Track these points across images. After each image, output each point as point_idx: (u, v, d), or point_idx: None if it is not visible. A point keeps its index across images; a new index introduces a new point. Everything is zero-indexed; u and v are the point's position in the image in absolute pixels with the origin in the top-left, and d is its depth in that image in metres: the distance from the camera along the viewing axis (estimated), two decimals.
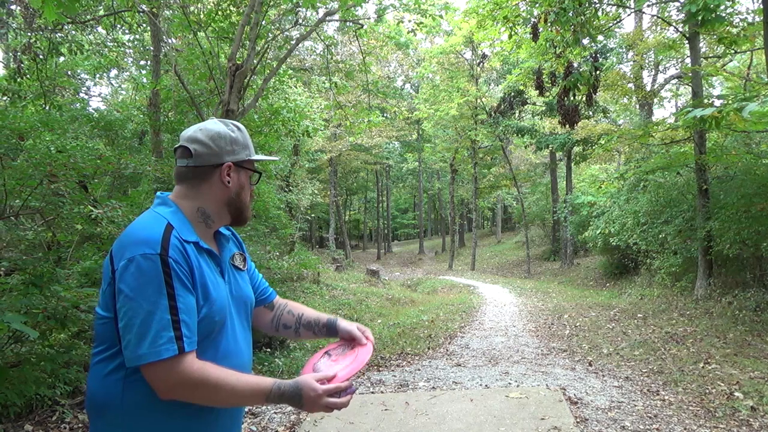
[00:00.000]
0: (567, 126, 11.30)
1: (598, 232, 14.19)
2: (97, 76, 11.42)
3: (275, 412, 4.46)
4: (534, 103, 21.42)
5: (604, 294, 12.94)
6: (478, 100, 23.84)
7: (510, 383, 5.27)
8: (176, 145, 1.45)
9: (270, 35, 7.47)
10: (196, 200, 1.42)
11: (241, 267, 1.53)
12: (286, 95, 8.78)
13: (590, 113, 17.84)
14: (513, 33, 10.74)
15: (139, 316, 1.21)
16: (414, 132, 33.76)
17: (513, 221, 41.47)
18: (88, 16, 7.93)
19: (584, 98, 10.21)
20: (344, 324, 1.63)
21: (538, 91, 11.97)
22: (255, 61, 6.39)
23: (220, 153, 1.41)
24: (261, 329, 1.71)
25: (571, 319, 9.29)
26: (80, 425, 4.29)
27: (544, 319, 9.67)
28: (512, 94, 21.00)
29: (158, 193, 1.44)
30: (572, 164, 21.50)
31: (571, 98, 10.32)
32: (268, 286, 1.70)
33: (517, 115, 22.48)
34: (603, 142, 14.29)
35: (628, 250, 13.35)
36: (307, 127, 8.96)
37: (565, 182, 22.39)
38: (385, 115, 25.32)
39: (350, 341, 1.59)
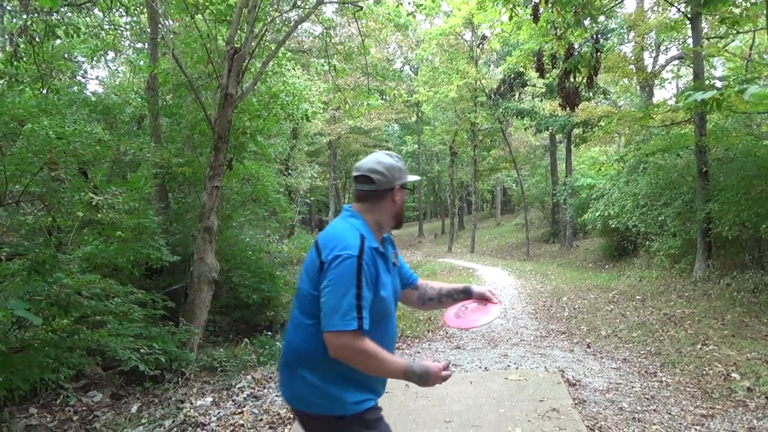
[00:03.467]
0: (567, 108, 11.22)
1: (597, 214, 14.19)
2: (94, 59, 11.31)
3: (276, 396, 4.51)
4: (534, 85, 21.28)
5: (603, 276, 12.99)
6: (478, 82, 23.67)
7: (509, 365, 5.32)
8: (356, 174, 2.00)
9: (268, 17, 7.39)
10: (375, 215, 1.98)
11: (396, 263, 2.08)
12: (285, 78, 8.72)
13: (591, 95, 17.72)
14: (513, 14, 10.61)
15: (335, 297, 1.74)
16: (413, 114, 33.59)
17: (512, 204, 41.42)
18: None
19: (585, 80, 10.13)
20: (477, 288, 2.19)
21: (538, 73, 11.85)
22: (253, 44, 6.33)
23: (392, 179, 1.98)
24: (409, 306, 2.29)
25: (570, 302, 9.35)
26: (84, 408, 4.34)
27: (543, 301, 9.72)
28: (512, 76, 20.85)
29: (345, 206, 2.03)
30: (572, 146, 21.44)
31: (572, 80, 10.25)
32: (412, 272, 2.25)
33: (516, 97, 22.33)
34: (603, 125, 14.23)
35: (628, 233, 13.37)
36: (306, 110, 8.91)
37: (564, 165, 22.34)
38: (384, 97, 25.15)
39: (483, 300, 2.15)
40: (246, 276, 7.78)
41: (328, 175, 29.30)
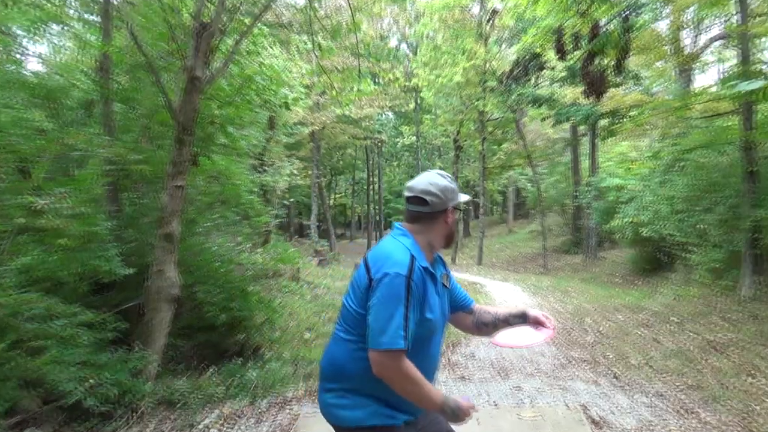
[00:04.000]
0: (592, 96, 11.30)
1: (626, 220, 14.26)
2: (35, 32, 11.22)
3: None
4: (553, 68, 21.34)
5: (633, 294, 13.05)
6: (488, 64, 23.76)
7: (523, 400, 5.33)
8: (408, 194, 2.35)
9: None
10: (427, 235, 2.31)
11: (446, 285, 2.42)
12: (261, 59, 8.70)
13: (619, 80, 17.81)
14: None
15: (384, 316, 2.06)
16: (411, 101, 33.64)
17: (527, 207, 41.57)
18: None
19: (612, 63, 10.21)
20: (533, 312, 2.54)
21: (558, 55, 11.92)
22: (224, 19, 6.33)
23: (446, 201, 2.31)
24: (463, 330, 2.65)
25: (595, 324, 9.38)
26: None
27: (563, 323, 9.75)
28: (527, 57, 20.92)
29: (396, 224, 2.37)
30: (597, 140, 21.54)
31: (597, 63, 10.32)
32: (467, 295, 2.60)
33: (533, 82, 22.42)
34: (634, 115, 14.30)
35: (662, 243, 13.43)
36: (285, 96, 8.89)
37: (588, 161, 22.45)
38: (377, 81, 25.18)
39: (537, 324, 2.51)
40: (213, 292, 7.73)
41: (310, 172, 29.26)
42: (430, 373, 2.29)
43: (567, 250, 25.10)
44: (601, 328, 9.00)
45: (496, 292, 14.43)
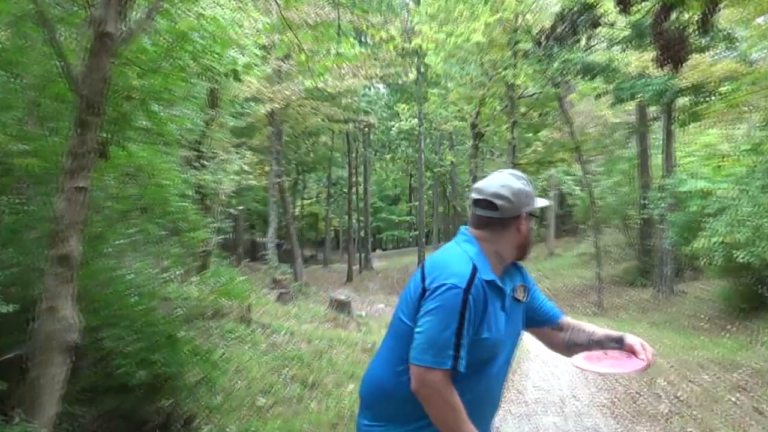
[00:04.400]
0: (667, 65, 11.37)
1: (715, 240, 14.28)
2: None
3: None
4: (612, 25, 21.47)
5: (725, 343, 13.08)
6: (520, 19, 23.92)
7: None
8: (476, 196, 2.75)
9: None
10: (495, 244, 2.71)
11: (520, 299, 2.82)
12: (200, 9, 8.73)
13: (706, 43, 17.94)
14: None
15: (433, 330, 2.45)
16: (411, 70, 33.76)
17: (575, 221, 41.63)
18: None
19: (696, 18, 10.30)
20: (631, 339, 2.88)
21: (619, 6, 12.01)
22: None
23: (519, 207, 2.70)
24: (552, 349, 3.09)
25: (671, 387, 9.39)
26: None
27: (625, 385, 9.76)
28: (576, 9, 21.06)
29: (462, 228, 2.80)
30: (674, 127, 21.63)
31: (675, 19, 10.40)
32: (553, 306, 3.02)
33: (583, 44, 22.48)
34: (726, 92, 14.40)
35: (766, 272, 13.47)
36: (233, 61, 8.91)
37: (662, 157, 22.52)
38: (363, 41, 25.24)
39: (631, 353, 2.84)
40: (127, 339, 7.70)
41: (267, 169, 29.25)
42: (486, 406, 2.76)
43: (631, 281, 25.17)
44: (679, 393, 9.01)
45: (531, 339, 14.42)
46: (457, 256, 2.62)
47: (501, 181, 2.71)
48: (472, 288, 2.48)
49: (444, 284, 2.48)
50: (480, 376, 2.60)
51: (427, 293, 2.51)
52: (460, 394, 2.51)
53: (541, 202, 2.81)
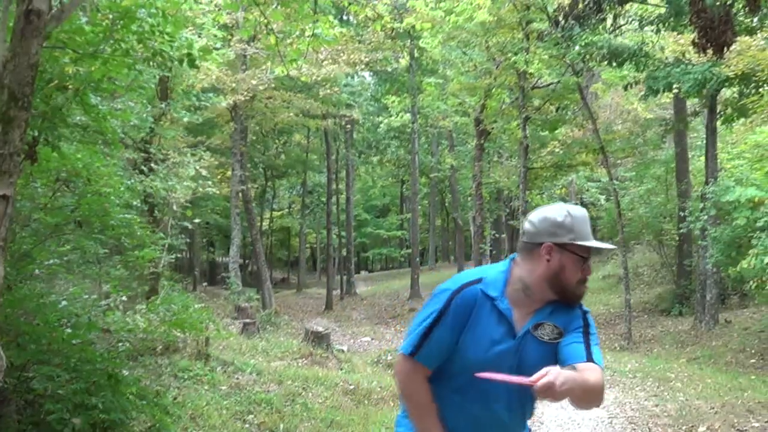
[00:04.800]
0: (708, 49, 11.42)
1: (767, 260, 14.31)
2: None
3: None
4: (644, 1, 21.56)
5: None
6: None
7: None
8: None
9: None
10: (522, 270, 3.11)
11: (542, 338, 3.09)
12: None
13: (755, 24, 18.04)
14: None
15: (414, 321, 3.15)
16: (403, 55, 33.81)
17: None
18: None
19: None
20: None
21: None
22: None
23: (539, 234, 3.07)
24: None
25: None
26: None
27: None
28: None
29: (513, 254, 3.28)
30: (719, 124, 21.67)
31: None
32: (584, 354, 3.06)
33: (609, 23, 22.55)
34: None
35: None
36: (189, 44, 8.88)
37: (704, 160, 22.56)
38: (345, 20, 25.25)
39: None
40: (60, 378, 7.66)
41: (229, 174, 29.21)
42: None
43: (666, 308, 25.20)
44: None
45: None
46: (478, 269, 3.29)
47: (545, 208, 3.23)
48: (460, 293, 3.05)
49: (443, 288, 3.14)
50: (465, 399, 3.13)
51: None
52: (448, 416, 3.13)
53: (586, 241, 3.11)
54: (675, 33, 20.04)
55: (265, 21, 10.56)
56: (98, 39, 8.09)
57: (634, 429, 10.16)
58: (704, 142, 22.55)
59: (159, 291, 12.75)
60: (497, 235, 39.27)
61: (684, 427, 9.97)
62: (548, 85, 26.74)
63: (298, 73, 23.67)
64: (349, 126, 40.48)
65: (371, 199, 64.26)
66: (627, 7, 22.24)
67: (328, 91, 30.65)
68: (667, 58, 20.62)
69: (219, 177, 26.89)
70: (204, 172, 16.98)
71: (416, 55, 33.44)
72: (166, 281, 14.19)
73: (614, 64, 21.92)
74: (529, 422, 3.30)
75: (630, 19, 23.12)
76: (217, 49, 11.36)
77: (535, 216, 3.15)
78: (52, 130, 7.84)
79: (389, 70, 36.73)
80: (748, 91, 17.72)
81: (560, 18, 22.46)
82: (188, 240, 28.51)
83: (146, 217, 12.64)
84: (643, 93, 22.08)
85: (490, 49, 25.86)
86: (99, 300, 9.70)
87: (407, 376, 3.16)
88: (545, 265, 3.04)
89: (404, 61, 34.40)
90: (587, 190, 36.18)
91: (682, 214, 22.84)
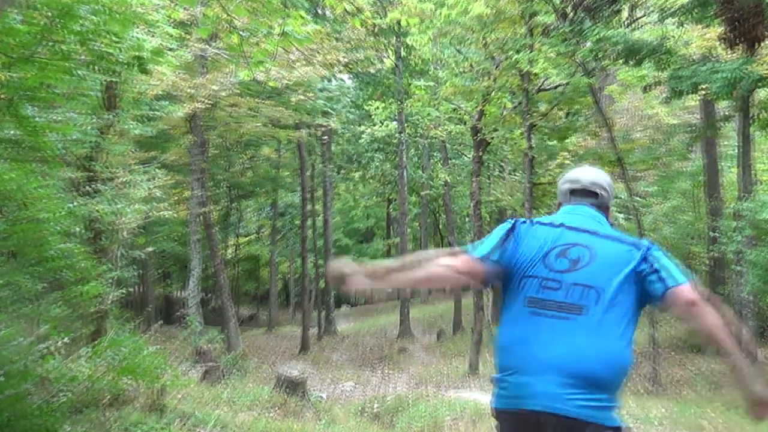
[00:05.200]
0: (739, 45, 11.63)
1: None
2: None
3: None
4: None
5: None
6: None
7: None
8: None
9: None
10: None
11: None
12: None
13: None
14: None
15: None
16: (388, 55, 33.97)
17: None
18: None
19: None
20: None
21: None
22: None
23: (611, 197, 4.60)
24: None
25: None
26: None
27: None
28: None
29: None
30: (753, 130, 21.89)
31: None
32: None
33: (625, 16, 22.79)
34: None
35: None
36: (139, 45, 9.07)
37: (737, 171, 22.76)
38: (320, 15, 25.39)
39: None
40: None
41: (187, 194, 29.26)
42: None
43: (698, 345, 25.35)
44: None
45: None
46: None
47: (603, 173, 4.67)
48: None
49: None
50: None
51: None
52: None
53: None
54: (701, 26, 20.25)
55: (228, 17, 10.73)
56: (34, 41, 8.26)
57: None
58: (738, 150, 22.67)
59: (106, 332, 12.85)
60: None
61: None
62: (556, 87, 26.86)
63: (265, 76, 23.68)
64: (326, 137, 40.31)
65: (353, 222, 64.21)
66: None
67: (302, 97, 30.68)
68: (692, 54, 20.80)
69: (175, 198, 26.96)
70: (158, 193, 17.12)
71: (403, 54, 33.63)
72: (114, 320, 14.28)
73: (632, 62, 22.07)
74: None
75: (649, 11, 23.27)
76: (171, 50, 11.52)
77: (604, 180, 4.46)
78: None
79: (372, 71, 36.88)
80: None
81: (569, 10, 22.64)
82: (140, 272, 28.56)
83: (90, 246, 12.76)
84: (665, 95, 22.25)
85: (488, 46, 26.03)
86: (35, 344, 9.82)
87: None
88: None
89: (389, 62, 34.47)
90: None
91: (713, 234, 22.91)
